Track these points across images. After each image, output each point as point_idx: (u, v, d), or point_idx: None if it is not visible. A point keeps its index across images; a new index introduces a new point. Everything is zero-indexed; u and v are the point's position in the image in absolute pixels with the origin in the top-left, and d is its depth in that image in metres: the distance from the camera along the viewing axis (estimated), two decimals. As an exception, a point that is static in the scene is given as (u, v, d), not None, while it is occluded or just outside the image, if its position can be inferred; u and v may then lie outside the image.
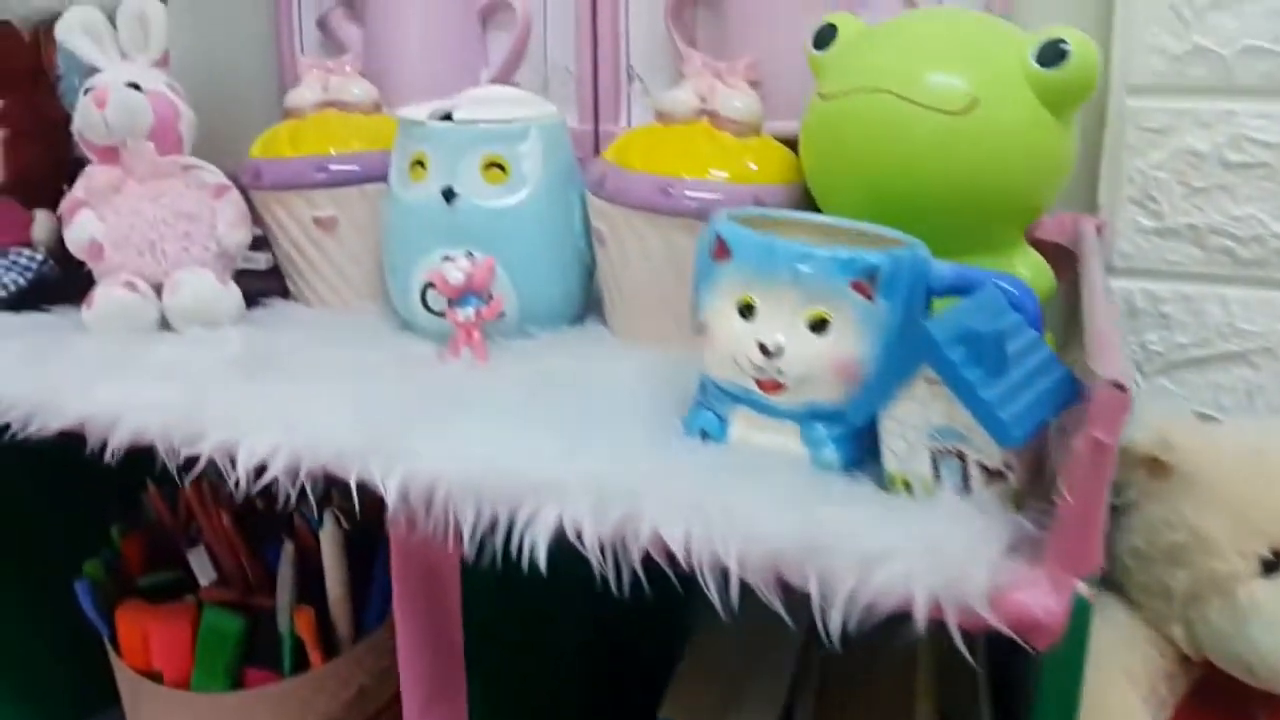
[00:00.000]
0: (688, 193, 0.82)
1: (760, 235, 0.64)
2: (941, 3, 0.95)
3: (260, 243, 1.03)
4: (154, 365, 0.82)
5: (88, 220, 0.93)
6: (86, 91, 0.92)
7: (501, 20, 1.13)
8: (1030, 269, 0.79)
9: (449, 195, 0.87)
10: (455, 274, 0.84)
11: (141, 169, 0.93)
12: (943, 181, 0.73)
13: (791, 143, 0.88)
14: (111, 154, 0.93)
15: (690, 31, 1.04)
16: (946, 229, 0.73)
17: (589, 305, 0.97)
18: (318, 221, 0.98)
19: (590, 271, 0.95)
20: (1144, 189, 0.92)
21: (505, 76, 1.14)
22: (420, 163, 0.89)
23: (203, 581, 1.10)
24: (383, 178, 0.96)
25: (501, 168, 0.88)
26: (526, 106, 0.91)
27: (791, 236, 0.73)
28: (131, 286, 0.90)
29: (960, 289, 0.64)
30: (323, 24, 1.19)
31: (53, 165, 1.01)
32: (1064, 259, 0.86)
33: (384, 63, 1.11)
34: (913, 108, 0.72)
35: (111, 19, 0.96)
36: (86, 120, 0.90)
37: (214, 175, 0.97)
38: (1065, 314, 0.86)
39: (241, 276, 1.00)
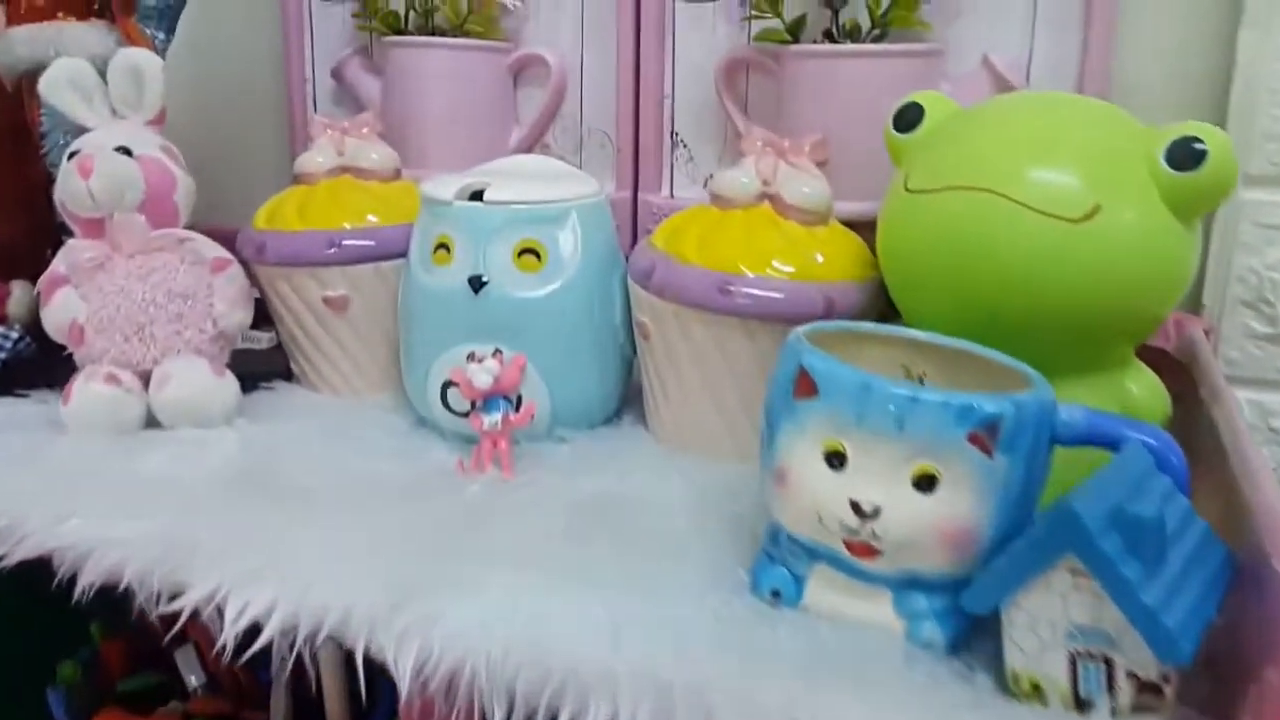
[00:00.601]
0: (748, 290, 0.72)
1: (855, 374, 0.53)
2: (1029, 82, 0.85)
3: (262, 318, 0.93)
4: (135, 479, 0.72)
5: (68, 300, 0.83)
6: (70, 157, 0.82)
7: (534, 76, 1.03)
8: (1143, 389, 0.68)
9: (477, 284, 0.77)
10: (482, 377, 0.73)
11: (130, 244, 0.83)
12: (1053, 295, 0.62)
13: (856, 226, 0.78)
14: (97, 227, 0.83)
15: (743, 97, 0.94)
16: (1052, 346, 0.63)
17: (626, 399, 0.86)
18: (328, 301, 0.88)
19: (630, 365, 0.85)
20: (1258, 290, 0.81)
21: (537, 136, 1.05)
22: (445, 246, 0.79)
23: (191, 683, 0.99)
24: (401, 254, 0.86)
25: (536, 254, 0.78)
26: (564, 184, 0.81)
27: (879, 357, 0.63)
28: (114, 380, 0.80)
29: (1093, 440, 0.53)
30: (338, 74, 1.10)
31: (33, 232, 0.91)
32: (1165, 365, 0.76)
33: (405, 118, 1.02)
34: (1022, 212, 0.61)
35: (102, 72, 0.86)
36: (69, 190, 0.80)
37: (212, 248, 0.87)
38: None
39: (240, 356, 0.90)
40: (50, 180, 0.92)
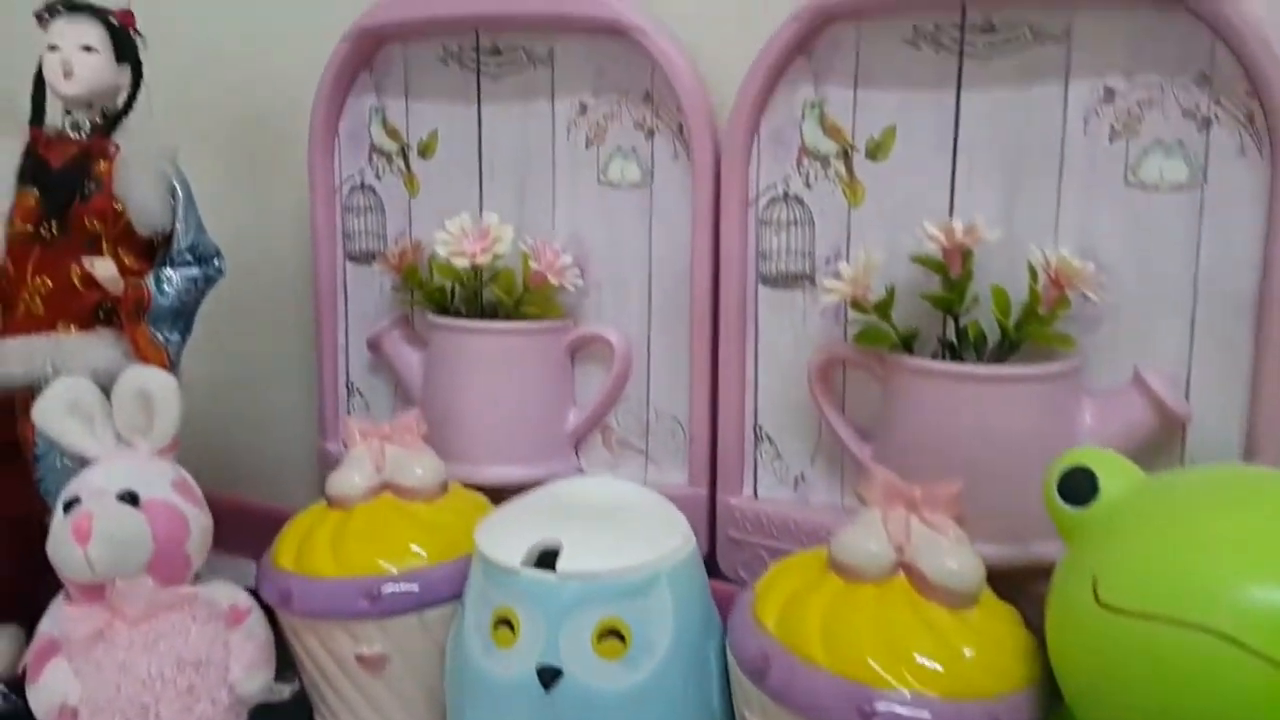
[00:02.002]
0: (893, 712, 0.58)
1: None
2: (1189, 399, 0.72)
3: (284, 662, 0.79)
4: None
5: (59, 677, 0.69)
6: (67, 508, 0.70)
7: (595, 354, 0.92)
8: None
9: (549, 677, 0.63)
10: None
11: (135, 611, 0.70)
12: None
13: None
14: (96, 591, 0.70)
15: (839, 394, 0.82)
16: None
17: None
18: (361, 660, 0.74)
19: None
20: None
21: (598, 419, 0.92)
22: (509, 623, 0.65)
23: None
24: (450, 599, 0.73)
25: (620, 636, 0.64)
26: (646, 531, 0.68)
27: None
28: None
29: None
30: (374, 345, 0.99)
31: (23, 568, 0.79)
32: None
33: (452, 401, 0.90)
34: (1258, 665, 0.48)
35: (106, 389, 0.75)
36: (64, 556, 0.68)
37: (228, 594, 0.75)
38: None
39: (259, 713, 0.76)
40: (45, 509, 0.80)
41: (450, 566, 0.75)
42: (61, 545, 0.68)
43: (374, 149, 0.97)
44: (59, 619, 0.70)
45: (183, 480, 0.75)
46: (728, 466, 0.87)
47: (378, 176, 0.98)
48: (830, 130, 0.78)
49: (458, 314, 0.91)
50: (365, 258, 1.00)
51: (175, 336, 0.83)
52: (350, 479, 0.79)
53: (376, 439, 0.82)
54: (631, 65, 0.85)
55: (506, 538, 0.68)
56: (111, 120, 0.83)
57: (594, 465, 0.94)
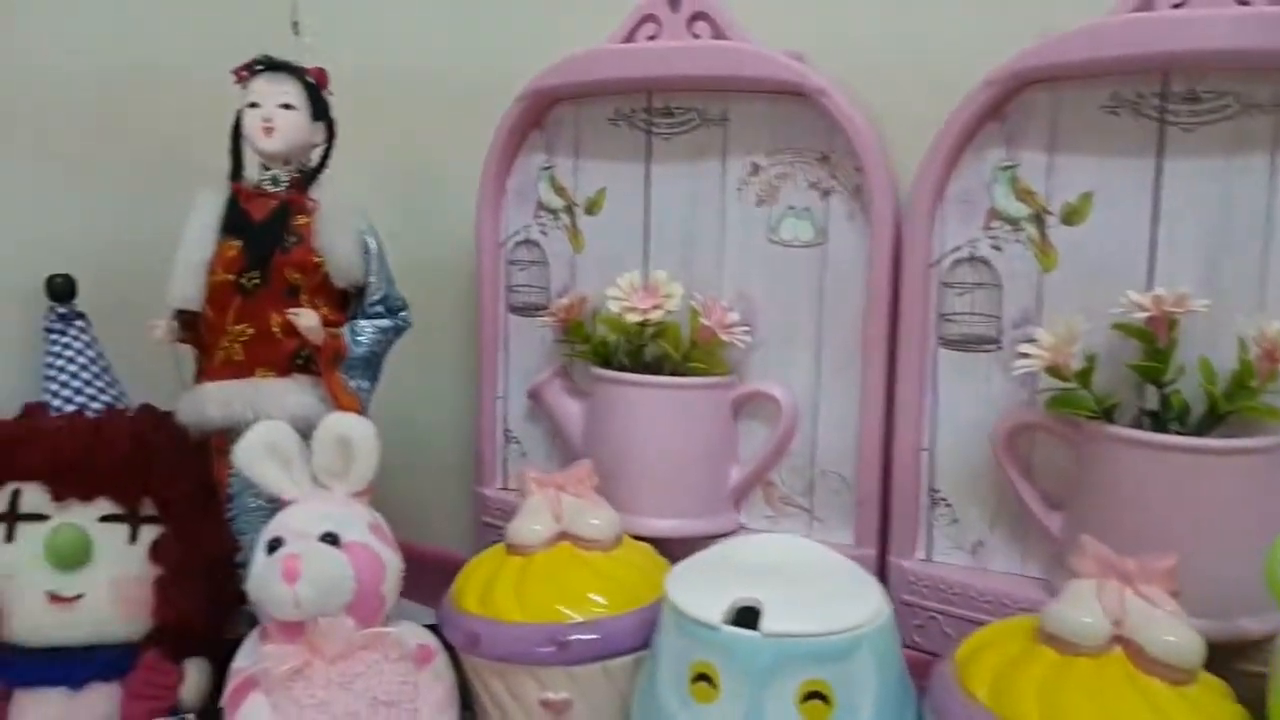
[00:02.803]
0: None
1: None
2: None
3: (464, 707, 0.80)
4: None
5: (259, 712, 0.70)
6: (271, 548, 0.72)
7: (758, 409, 0.93)
8: None
9: (754, 739, 0.63)
10: None
11: (333, 648, 0.71)
12: None
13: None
14: (294, 630, 0.72)
15: (1025, 460, 0.81)
16: None
17: None
18: (547, 705, 0.75)
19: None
20: None
21: (760, 475, 0.93)
22: (708, 678, 0.65)
23: None
24: (631, 649, 0.74)
25: (824, 699, 0.64)
26: (843, 593, 0.68)
27: None
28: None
29: None
30: (536, 395, 1.00)
31: (213, 605, 0.81)
32: None
33: (616, 454, 0.91)
34: None
35: (303, 434, 0.78)
36: (272, 595, 0.70)
37: (416, 635, 0.76)
38: None
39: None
40: (235, 547, 0.82)
41: (631, 618, 0.76)
42: (269, 584, 0.70)
43: (541, 205, 1.00)
44: (258, 655, 0.72)
45: (378, 524, 0.77)
46: (902, 529, 0.86)
47: (543, 232, 1.00)
48: (1022, 194, 0.78)
49: (621, 368, 0.93)
50: (527, 310, 1.02)
51: (366, 384, 0.86)
52: (531, 527, 0.80)
53: (552, 488, 0.84)
54: (809, 126, 0.87)
55: (702, 592, 0.68)
56: (309, 176, 0.87)
57: (755, 521, 0.94)
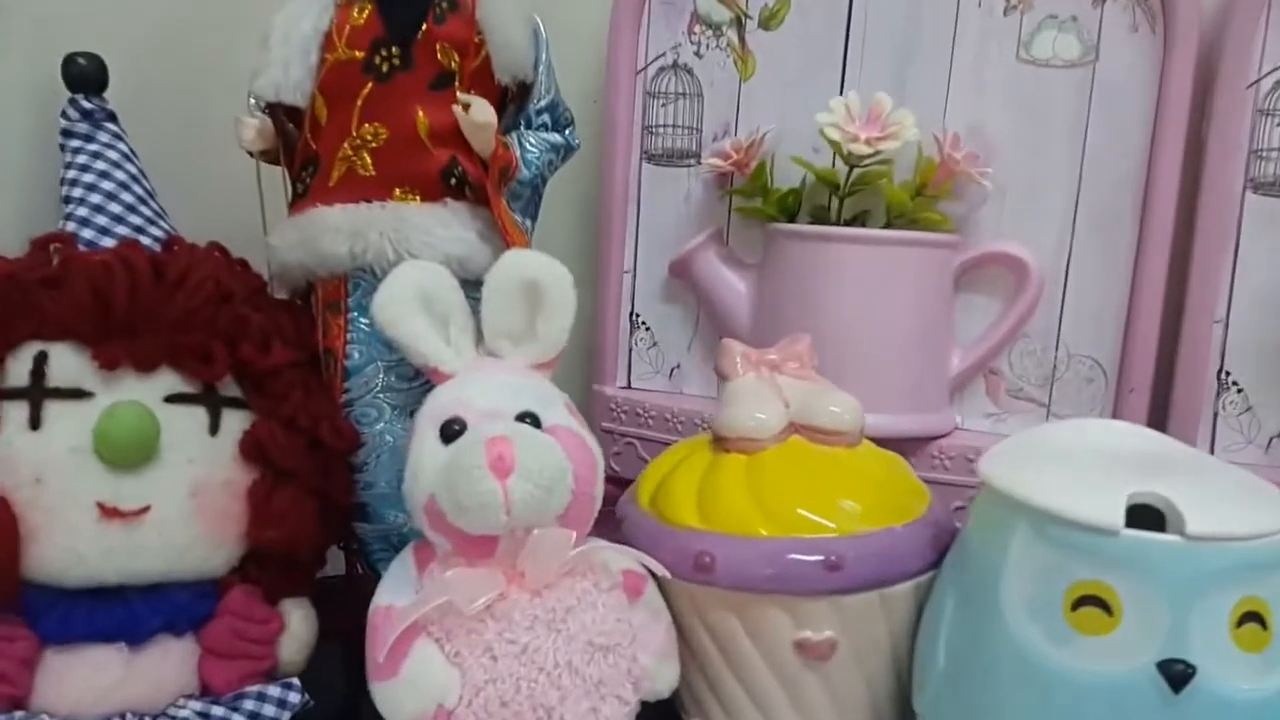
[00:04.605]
0: None
1: None
2: None
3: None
4: None
5: (435, 669, 0.49)
6: (448, 435, 0.49)
7: (983, 279, 0.74)
8: None
9: (1181, 674, 0.45)
10: None
11: (544, 573, 0.50)
12: None
13: None
14: (482, 547, 0.50)
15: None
16: None
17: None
18: (803, 647, 0.55)
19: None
20: None
21: (984, 362, 0.74)
22: (1100, 601, 0.47)
23: None
24: (916, 571, 0.55)
25: (1262, 621, 0.46)
26: (1252, 493, 0.50)
27: None
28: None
29: None
30: (682, 267, 0.78)
31: (324, 527, 0.58)
32: None
33: (796, 325, 0.69)
34: None
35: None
36: (474, 495, 0.47)
37: (616, 558, 0.55)
38: None
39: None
40: (356, 441, 0.59)
41: (914, 530, 0.57)
42: (473, 483, 0.47)
43: (697, 17, 0.78)
44: (436, 585, 0.50)
45: (569, 404, 0.55)
46: (1184, 424, 0.69)
47: (698, 54, 0.78)
48: None
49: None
50: (669, 158, 0.80)
51: (529, 222, 0.63)
52: (754, 415, 0.60)
53: (766, 368, 0.64)
54: (1084, -91, 0.68)
55: (1077, 489, 0.49)
56: None
57: (974, 420, 0.75)
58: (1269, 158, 0.67)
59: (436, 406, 0.52)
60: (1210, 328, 0.68)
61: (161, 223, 0.59)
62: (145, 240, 0.57)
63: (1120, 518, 0.47)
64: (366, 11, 0.59)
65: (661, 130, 0.80)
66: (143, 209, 0.58)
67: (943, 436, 0.73)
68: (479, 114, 0.58)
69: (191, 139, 0.66)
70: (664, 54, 0.79)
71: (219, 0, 0.63)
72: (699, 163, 0.79)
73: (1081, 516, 0.48)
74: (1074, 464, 0.53)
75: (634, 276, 0.82)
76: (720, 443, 0.61)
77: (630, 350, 0.83)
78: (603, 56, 0.79)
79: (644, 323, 0.83)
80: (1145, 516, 0.49)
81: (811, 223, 0.74)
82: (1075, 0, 0.70)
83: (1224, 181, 0.67)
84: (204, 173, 0.65)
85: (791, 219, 0.74)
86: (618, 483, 0.79)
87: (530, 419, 0.51)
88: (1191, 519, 0.47)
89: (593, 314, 0.82)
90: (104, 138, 0.59)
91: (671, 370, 0.82)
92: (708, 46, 0.78)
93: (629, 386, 0.83)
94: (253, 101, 0.61)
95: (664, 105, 0.79)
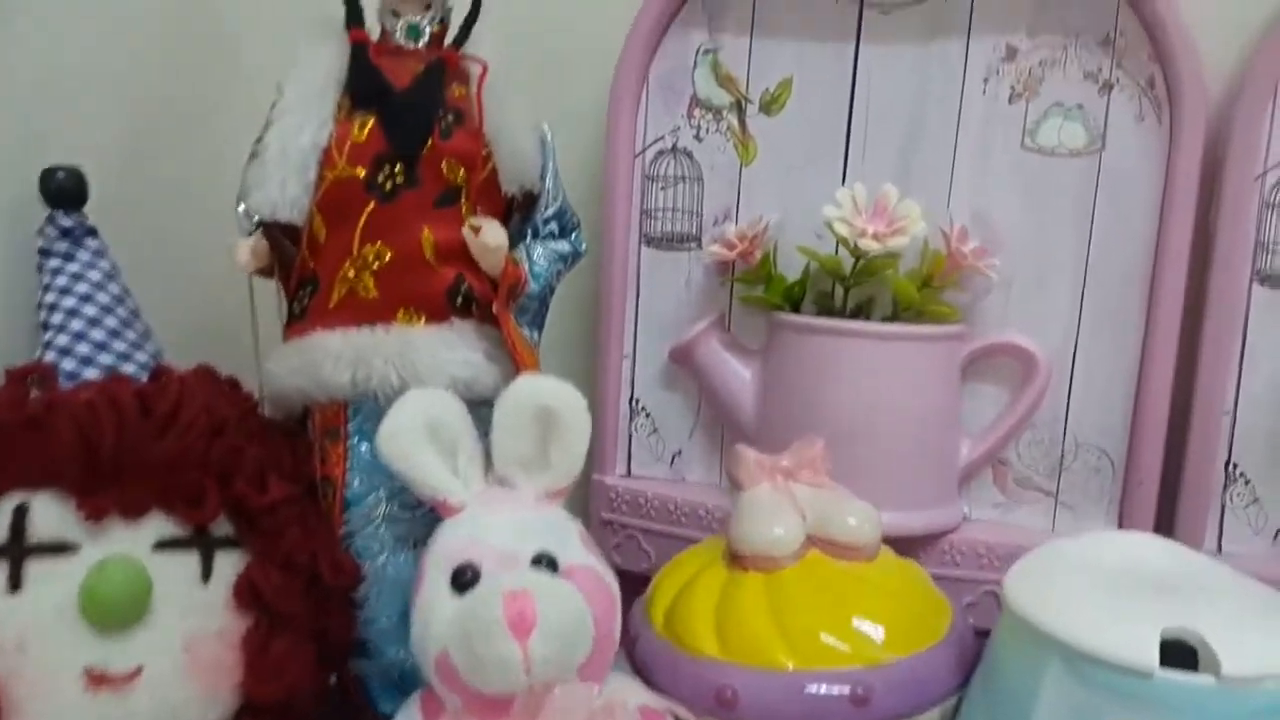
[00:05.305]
0: None
1: None
2: None
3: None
4: None
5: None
6: (461, 582, 0.47)
7: (990, 369, 0.73)
8: None
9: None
10: None
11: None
12: None
13: None
14: (499, 704, 0.47)
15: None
16: None
17: None
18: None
19: None
20: None
21: (994, 452, 0.73)
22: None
23: None
24: (943, 696, 0.54)
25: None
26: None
27: None
28: None
29: None
30: (684, 353, 0.76)
31: (324, 672, 0.55)
32: None
33: (806, 421, 0.69)
34: None
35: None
36: (493, 657, 0.44)
37: (634, 692, 0.52)
38: None
39: None
40: (356, 577, 0.56)
41: (940, 655, 0.55)
42: (483, 640, 0.45)
43: (697, 101, 0.76)
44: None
45: (585, 534, 0.53)
46: (1190, 516, 0.68)
47: (698, 137, 0.76)
48: None
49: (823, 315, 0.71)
50: (669, 241, 0.78)
51: (536, 336, 0.60)
52: (774, 531, 0.58)
53: (780, 475, 0.62)
54: (1090, -1, 0.67)
55: (1106, 621, 0.48)
56: (464, 28, 0.58)
57: (982, 510, 0.74)
58: (1276, 250, 0.66)
59: (446, 548, 0.49)
60: (1219, 420, 0.68)
61: (147, 346, 0.56)
62: (130, 368, 0.54)
63: (1154, 658, 0.46)
64: (369, 126, 0.56)
65: (661, 214, 0.78)
66: (127, 333, 0.55)
67: (952, 531, 0.72)
68: (491, 237, 0.55)
69: (176, 249, 0.63)
70: (663, 137, 0.77)
71: (201, 108, 0.59)
72: (699, 246, 0.77)
73: (1115, 657, 0.46)
74: (1100, 589, 0.51)
75: (633, 361, 0.80)
76: (737, 560, 0.59)
77: (630, 437, 0.81)
78: (601, 139, 0.77)
79: (644, 409, 0.80)
80: (1177, 648, 0.48)
81: (817, 311, 0.72)
82: (1081, 88, 0.69)
83: (1231, 273, 0.66)
84: (189, 283, 0.62)
85: (796, 307, 0.73)
86: (618, 574, 0.78)
87: (547, 561, 0.49)
88: (1226, 659, 0.45)
89: (592, 400, 0.80)
90: (84, 256, 0.56)
91: (673, 457, 0.80)
92: (708, 130, 0.76)
93: (629, 474, 0.81)
94: (241, 208, 0.58)
95: (663, 188, 0.78)
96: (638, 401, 0.80)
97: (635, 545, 0.78)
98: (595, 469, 0.80)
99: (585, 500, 0.79)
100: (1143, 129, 0.68)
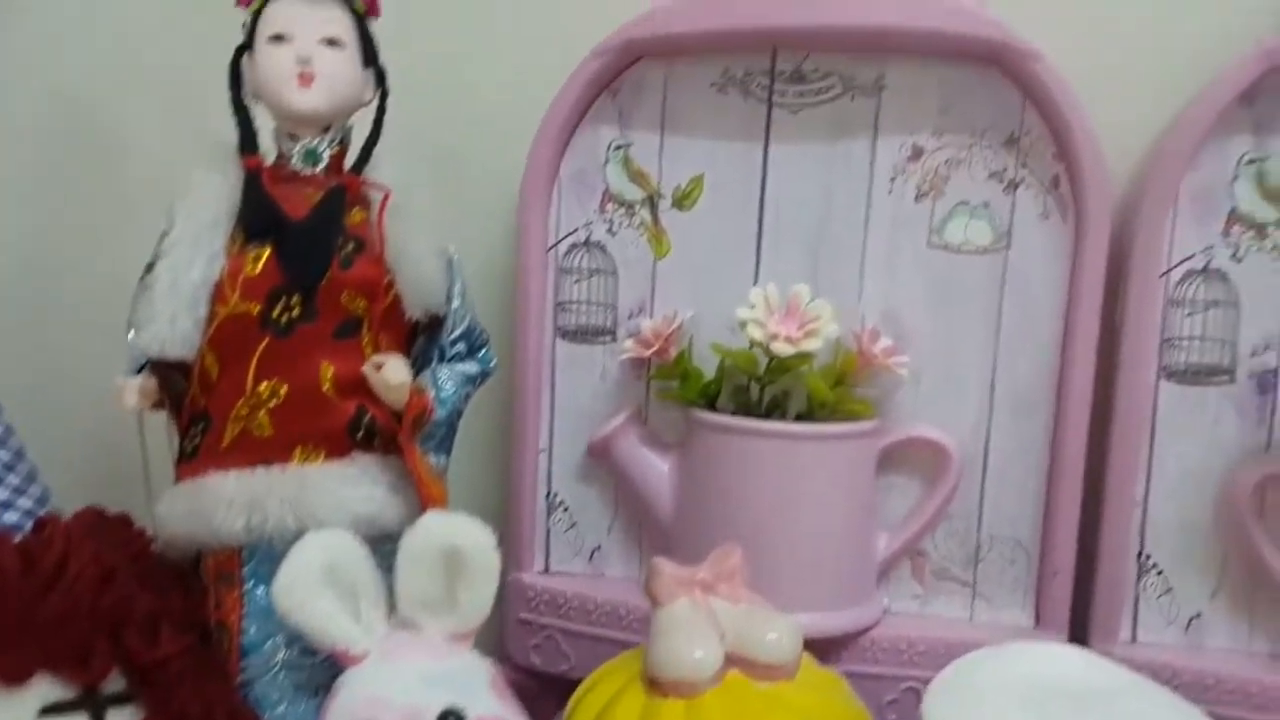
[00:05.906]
0: None
1: None
2: None
3: None
4: None
5: None
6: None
7: (904, 463, 0.73)
8: None
9: None
10: None
11: None
12: None
13: None
14: None
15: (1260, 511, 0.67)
16: None
17: None
18: None
19: None
20: None
21: (911, 544, 0.73)
22: None
23: None
24: None
25: None
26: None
27: None
28: None
29: None
30: (602, 449, 0.75)
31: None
32: None
33: (724, 520, 0.69)
34: None
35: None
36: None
37: None
38: None
39: None
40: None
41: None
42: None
43: (610, 196, 0.75)
44: None
45: (496, 676, 0.52)
46: (1105, 607, 0.69)
47: (611, 231, 0.76)
48: None
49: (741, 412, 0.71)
50: (583, 335, 0.77)
51: (443, 461, 0.58)
52: (694, 655, 0.57)
53: (698, 589, 0.61)
54: (994, 98, 0.68)
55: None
56: (364, 151, 0.57)
57: (901, 602, 0.74)
58: (1180, 346, 0.68)
59: (348, 708, 0.47)
60: (1131, 511, 0.69)
61: (31, 490, 0.53)
62: (12, 516, 0.51)
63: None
64: (263, 259, 0.54)
65: (575, 306, 0.77)
66: (10, 478, 0.52)
67: (873, 627, 0.72)
68: (393, 375, 0.54)
69: (64, 383, 0.60)
70: (576, 230, 0.76)
71: (86, 233, 0.57)
72: (615, 340, 0.76)
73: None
74: (1021, 709, 0.52)
75: (550, 456, 0.79)
76: (656, 685, 0.58)
77: (548, 532, 0.79)
78: (513, 231, 0.76)
79: (562, 503, 0.79)
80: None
81: (734, 408, 0.72)
82: (987, 187, 0.70)
83: (1139, 369, 0.68)
84: (78, 417, 0.59)
85: (713, 402, 0.72)
86: (536, 676, 0.76)
87: (455, 718, 0.47)
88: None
89: (508, 495, 0.78)
90: (-41, 397, 0.53)
91: (592, 552, 0.79)
92: (621, 224, 0.75)
93: (547, 570, 0.79)
94: (131, 334, 0.55)
95: (577, 281, 0.77)
96: (555, 496, 0.79)
97: (554, 646, 0.76)
98: (513, 567, 0.78)
99: (503, 601, 0.78)
100: (1048, 226, 0.69)
